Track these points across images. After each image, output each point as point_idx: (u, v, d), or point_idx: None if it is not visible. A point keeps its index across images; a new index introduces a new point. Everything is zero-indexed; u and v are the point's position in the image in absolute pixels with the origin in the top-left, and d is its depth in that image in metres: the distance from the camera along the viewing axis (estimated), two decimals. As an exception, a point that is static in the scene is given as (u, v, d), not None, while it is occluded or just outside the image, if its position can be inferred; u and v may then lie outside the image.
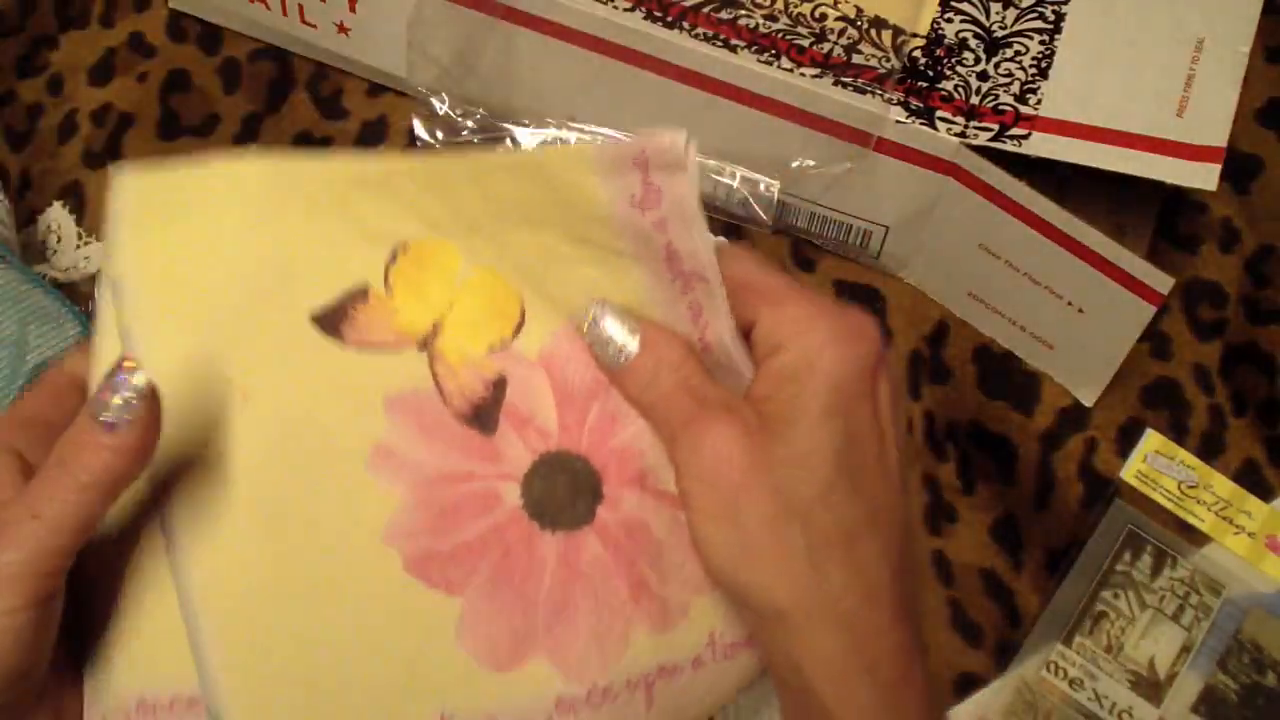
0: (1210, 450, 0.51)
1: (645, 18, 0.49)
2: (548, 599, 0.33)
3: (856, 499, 0.31)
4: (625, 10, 0.49)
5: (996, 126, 0.47)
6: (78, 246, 0.55)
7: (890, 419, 0.32)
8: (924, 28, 0.49)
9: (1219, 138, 0.45)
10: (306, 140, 0.57)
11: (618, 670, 0.33)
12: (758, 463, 0.30)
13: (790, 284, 0.33)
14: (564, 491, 0.33)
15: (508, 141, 0.54)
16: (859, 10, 0.49)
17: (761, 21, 0.49)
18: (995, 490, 0.50)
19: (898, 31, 0.49)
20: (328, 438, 0.32)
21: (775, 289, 0.33)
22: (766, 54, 0.48)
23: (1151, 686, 0.46)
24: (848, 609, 0.30)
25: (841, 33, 0.49)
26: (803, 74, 0.48)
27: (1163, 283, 0.45)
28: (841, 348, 0.31)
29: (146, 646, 0.32)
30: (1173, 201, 0.54)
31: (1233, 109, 0.45)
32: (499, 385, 0.33)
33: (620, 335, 0.33)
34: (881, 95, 0.47)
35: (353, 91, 0.58)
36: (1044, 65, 0.48)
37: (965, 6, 0.50)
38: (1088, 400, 0.52)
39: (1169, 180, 0.45)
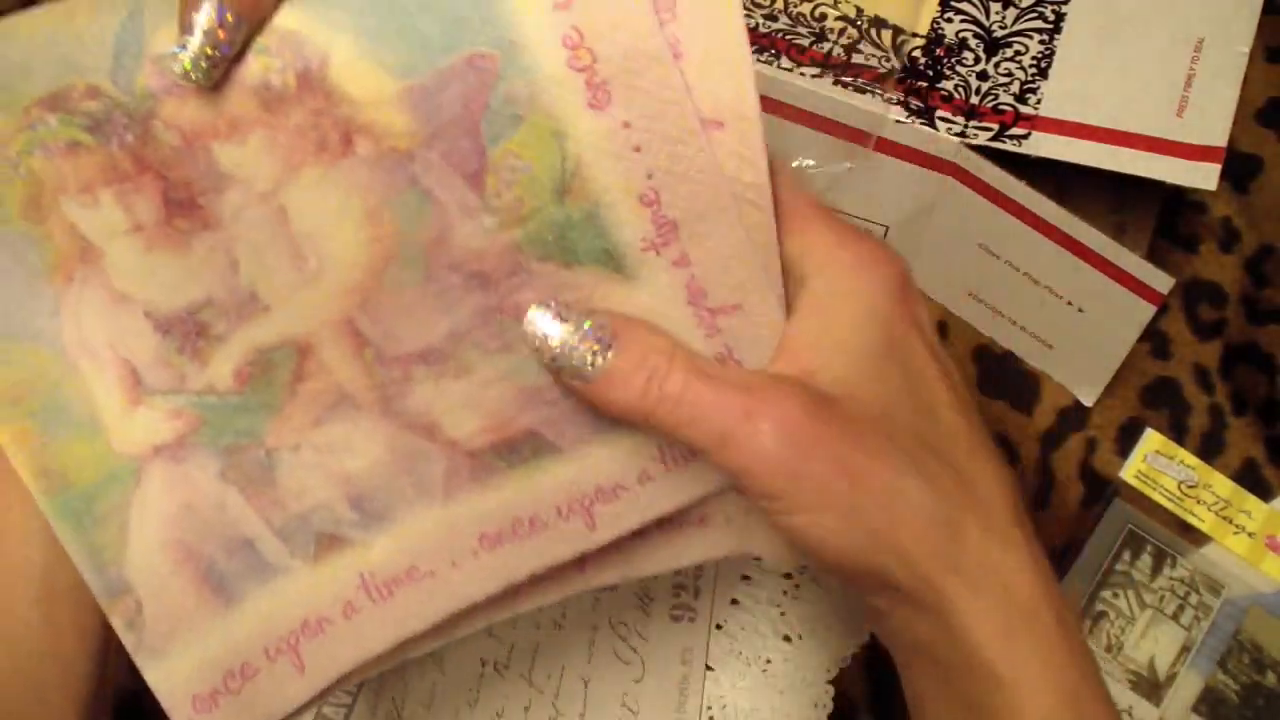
0: (1210, 450, 0.51)
1: (645, 18, 0.49)
2: None
3: (951, 441, 0.28)
4: (625, 10, 0.49)
5: (996, 126, 0.47)
6: (78, 246, 0.55)
7: (938, 343, 0.29)
8: (924, 27, 0.49)
9: (1219, 138, 0.45)
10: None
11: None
12: (847, 434, 0.27)
13: (812, 203, 0.29)
14: None
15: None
16: (859, 10, 0.49)
17: (761, 21, 0.49)
18: (995, 490, 0.50)
19: (898, 31, 0.49)
20: None
21: (797, 210, 0.28)
22: (766, 54, 0.48)
23: (1151, 686, 0.46)
24: (994, 562, 0.27)
25: (841, 32, 0.49)
26: (803, 74, 0.48)
27: (1163, 283, 0.45)
28: (876, 275, 0.28)
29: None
30: (1173, 201, 0.54)
31: (1233, 109, 0.45)
32: None
33: (581, 339, 0.27)
34: (881, 95, 0.47)
35: (353, 91, 0.58)
36: (1044, 65, 0.48)
37: (965, 6, 0.50)
38: (1088, 400, 0.52)
39: (1169, 180, 0.45)
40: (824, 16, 0.49)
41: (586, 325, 0.27)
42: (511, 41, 0.27)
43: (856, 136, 0.48)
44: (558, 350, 0.27)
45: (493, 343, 0.30)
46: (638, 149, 0.28)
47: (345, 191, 0.29)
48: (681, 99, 0.28)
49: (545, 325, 0.27)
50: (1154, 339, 0.53)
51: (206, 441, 0.31)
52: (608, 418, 0.29)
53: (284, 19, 0.28)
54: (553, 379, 0.29)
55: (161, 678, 0.31)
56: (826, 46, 0.49)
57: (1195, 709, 0.46)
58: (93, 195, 0.29)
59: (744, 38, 0.28)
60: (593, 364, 0.27)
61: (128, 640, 0.31)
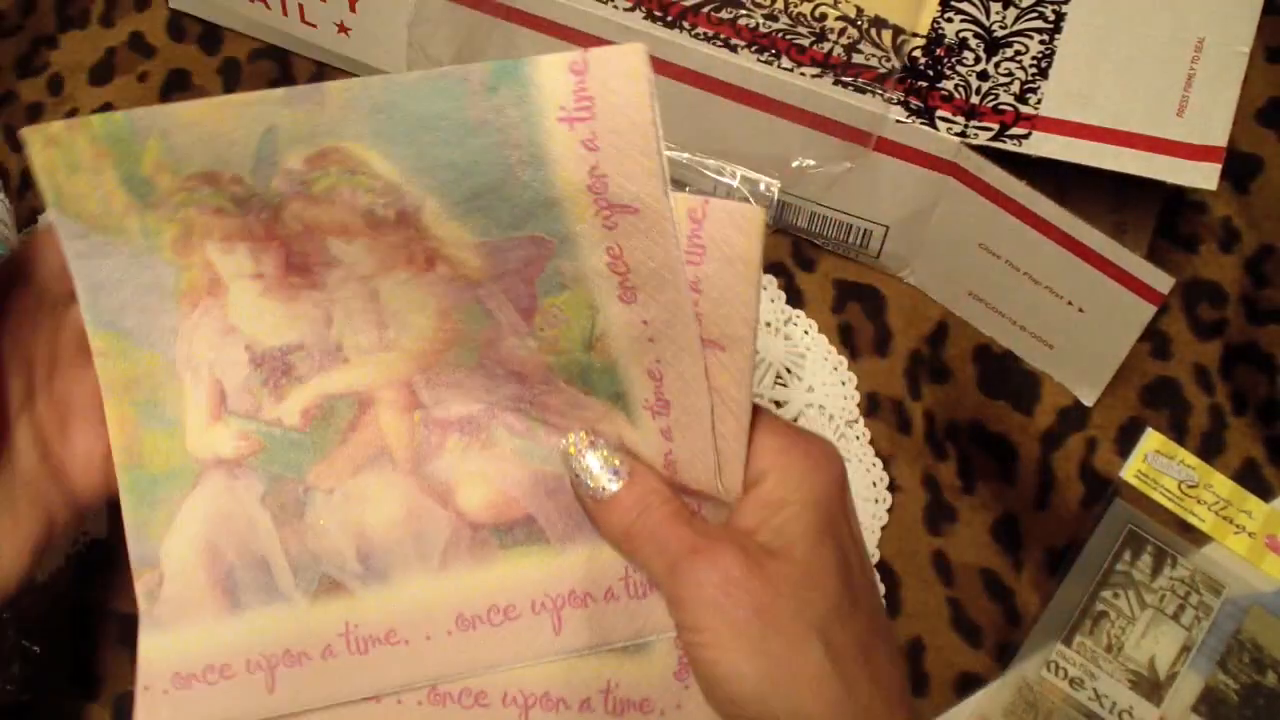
0: (1210, 450, 0.51)
1: (645, 18, 0.49)
2: None
3: (859, 610, 0.32)
4: (625, 10, 0.49)
5: (996, 126, 0.47)
6: (78, 246, 0.55)
7: (859, 530, 0.34)
8: (924, 27, 0.49)
9: (1219, 138, 0.45)
10: (306, 140, 0.57)
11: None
12: (771, 587, 0.31)
13: (762, 412, 0.33)
14: None
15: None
16: (859, 10, 0.50)
17: (761, 21, 0.49)
18: (995, 490, 0.50)
19: (898, 31, 0.49)
20: None
21: (758, 418, 0.33)
22: (766, 54, 0.48)
23: (1152, 686, 0.46)
24: (877, 718, 0.31)
25: (841, 32, 0.49)
26: (803, 74, 0.48)
27: (1163, 282, 0.45)
28: (821, 474, 0.33)
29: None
30: (1173, 201, 0.54)
31: (1233, 109, 0.45)
32: None
33: (605, 469, 0.34)
34: (881, 95, 0.47)
35: (353, 91, 0.58)
36: (1044, 65, 0.48)
37: (965, 6, 0.50)
38: (1088, 400, 0.52)
39: (1169, 180, 0.45)
40: (824, 16, 0.49)
41: (615, 462, 0.34)
42: (567, 236, 0.33)
43: (856, 136, 0.48)
44: (585, 471, 0.34)
45: (519, 426, 0.36)
46: (651, 340, 0.33)
47: (425, 292, 0.35)
48: (690, 323, 0.33)
49: (582, 450, 0.34)
50: (1154, 339, 0.53)
51: (260, 466, 0.37)
52: (597, 530, 0.34)
53: (386, 169, 0.33)
54: (571, 485, 0.35)
55: (154, 647, 0.36)
56: (826, 46, 0.49)
57: (1195, 709, 0.46)
58: (231, 244, 0.36)
59: (756, 296, 0.33)
60: (605, 488, 0.33)
61: (142, 606, 0.36)
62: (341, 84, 0.32)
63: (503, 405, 0.36)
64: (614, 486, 0.33)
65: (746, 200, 0.52)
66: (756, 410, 0.33)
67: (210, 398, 0.37)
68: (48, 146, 0.34)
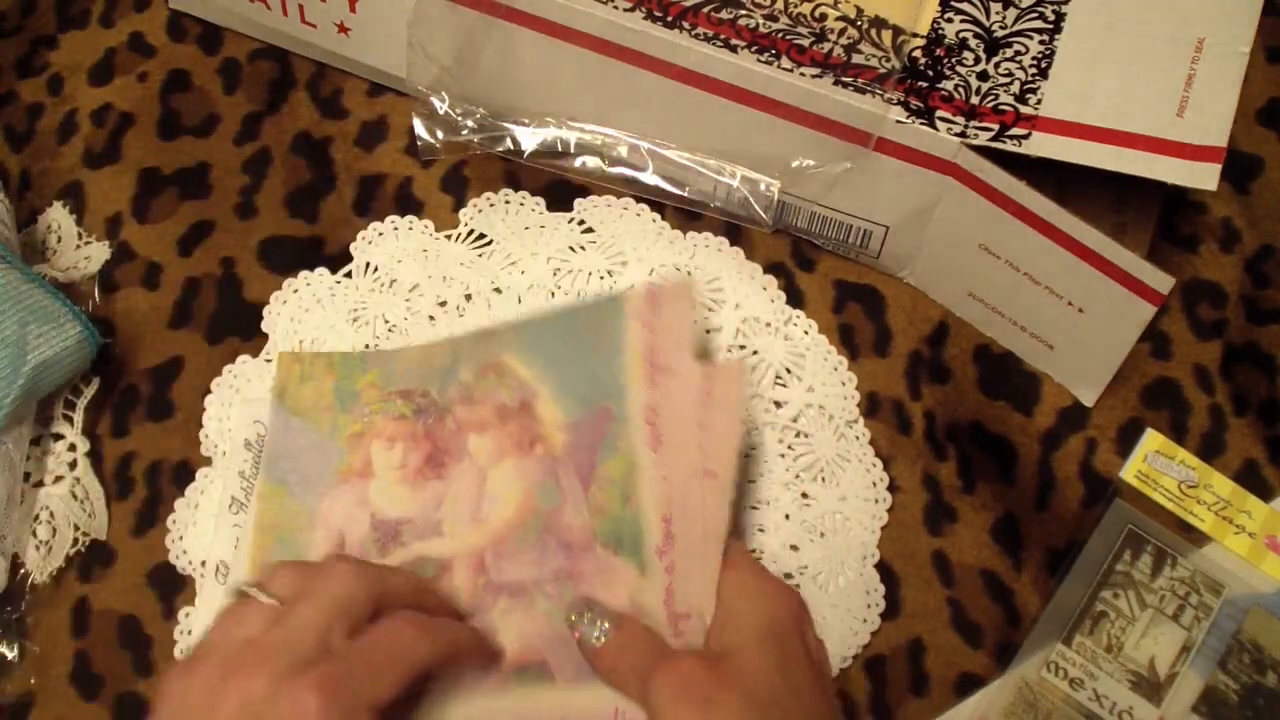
0: (1210, 450, 0.51)
1: (645, 18, 0.49)
2: None
3: (799, 708, 0.37)
4: (625, 10, 0.49)
5: (996, 126, 0.47)
6: (77, 246, 0.55)
7: (822, 660, 0.40)
8: (924, 28, 0.49)
9: (1219, 138, 0.45)
10: (306, 140, 0.57)
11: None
12: (721, 680, 0.37)
13: (735, 552, 0.42)
14: None
15: (508, 141, 0.54)
16: (859, 10, 0.49)
17: (761, 21, 0.49)
18: (995, 490, 0.50)
19: (898, 31, 0.49)
20: None
21: (729, 554, 0.42)
22: (766, 54, 0.48)
23: (1151, 686, 0.46)
24: None
25: (841, 33, 0.49)
26: (803, 74, 0.48)
27: (1163, 283, 0.45)
28: (775, 602, 0.40)
29: None
30: (1173, 201, 0.54)
31: (1233, 109, 0.45)
32: None
33: (596, 630, 0.41)
34: (881, 95, 0.47)
35: (353, 91, 0.58)
36: (1044, 65, 0.48)
37: (965, 6, 0.50)
38: (1088, 400, 0.52)
39: (1169, 180, 0.45)
40: (824, 16, 0.49)
41: (603, 624, 0.41)
42: (623, 398, 0.45)
43: (856, 137, 0.48)
44: (581, 626, 0.42)
45: (553, 593, 0.44)
46: (665, 478, 0.44)
47: (521, 475, 0.46)
48: (696, 460, 0.44)
49: (580, 618, 0.42)
50: (1154, 339, 0.53)
51: None
52: (592, 670, 0.42)
53: (519, 367, 0.47)
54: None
55: None
56: (826, 46, 0.49)
57: (1195, 709, 0.46)
58: (392, 444, 0.48)
59: (742, 433, 0.45)
60: (597, 638, 0.41)
61: None
62: (505, 323, 0.49)
63: (547, 577, 0.44)
64: (603, 637, 0.41)
65: (746, 200, 0.52)
66: (735, 551, 0.42)
67: (332, 545, 0.46)
68: (294, 363, 0.50)
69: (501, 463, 0.46)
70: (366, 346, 0.52)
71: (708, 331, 0.52)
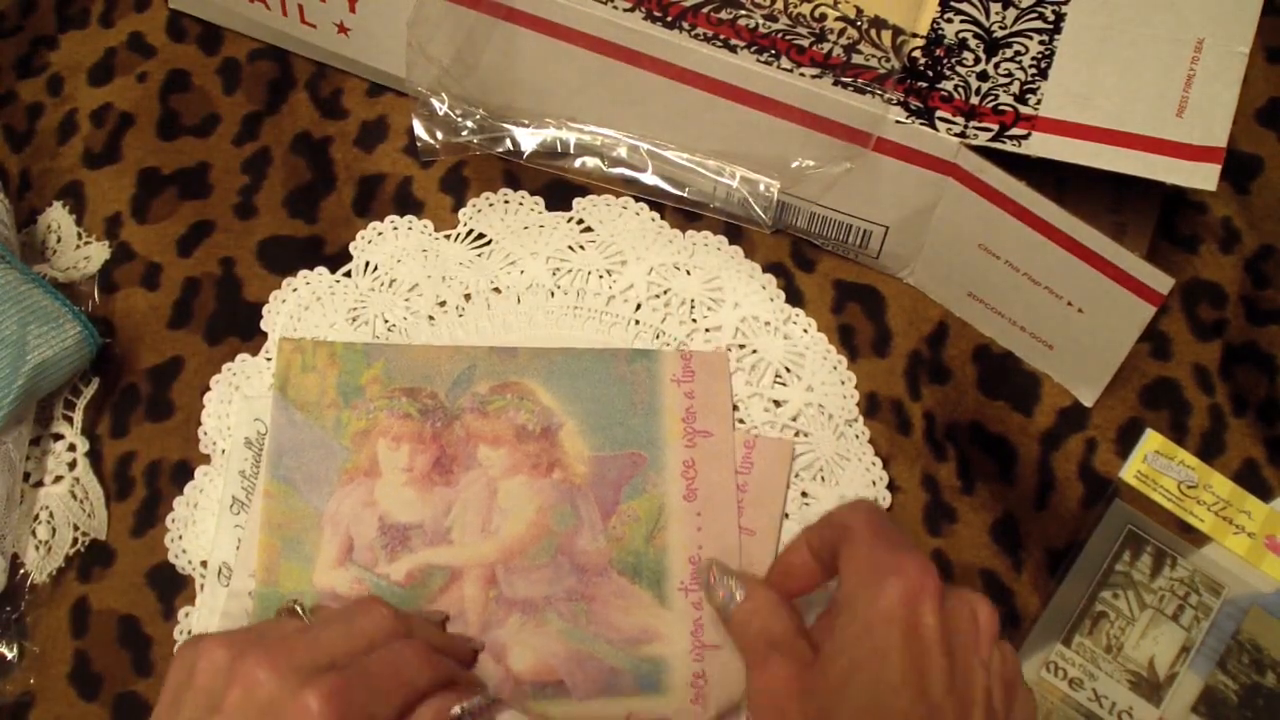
0: (1210, 450, 0.51)
1: (645, 18, 0.49)
2: None
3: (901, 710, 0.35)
4: (625, 10, 0.49)
5: (996, 126, 0.47)
6: (77, 246, 0.55)
7: (941, 644, 0.36)
8: (924, 28, 0.49)
9: (1219, 138, 0.45)
10: (306, 140, 0.57)
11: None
12: (802, 691, 0.37)
13: (869, 524, 0.38)
14: None
15: (508, 142, 0.54)
16: (859, 10, 0.49)
17: (761, 21, 0.49)
18: (995, 490, 0.50)
19: (898, 31, 0.49)
20: None
21: (855, 529, 0.39)
22: (766, 54, 0.48)
23: (1151, 686, 0.46)
24: None
25: (841, 33, 0.49)
26: (803, 74, 0.48)
27: (1163, 283, 0.45)
28: (875, 586, 0.36)
29: None
30: (1173, 201, 0.54)
31: (1233, 109, 0.45)
32: None
33: (730, 589, 0.42)
34: (881, 95, 0.47)
35: (352, 91, 0.58)
36: (1044, 65, 0.48)
37: (965, 6, 0.50)
38: (1088, 400, 0.52)
39: (1169, 180, 0.45)
40: (824, 17, 0.49)
41: (733, 587, 0.42)
42: (659, 453, 0.49)
43: (856, 137, 0.48)
44: (720, 598, 0.42)
45: (566, 612, 0.46)
46: (699, 529, 0.47)
47: (535, 494, 0.48)
48: (733, 515, 0.48)
49: (716, 579, 0.42)
50: (1154, 339, 0.53)
51: None
52: (607, 686, 0.45)
53: (548, 399, 0.49)
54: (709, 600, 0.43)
55: None
56: (826, 47, 0.49)
57: (1195, 709, 0.46)
58: (398, 443, 0.49)
59: (784, 498, 0.49)
60: (730, 604, 0.42)
61: None
62: (529, 349, 0.50)
63: (559, 596, 0.46)
64: (734, 603, 0.41)
65: (746, 200, 0.52)
66: (866, 523, 0.39)
67: (340, 548, 0.47)
68: (295, 351, 0.50)
69: (514, 478, 0.48)
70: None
71: (707, 330, 0.52)
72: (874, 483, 0.50)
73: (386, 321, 0.53)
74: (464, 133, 0.54)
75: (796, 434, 0.51)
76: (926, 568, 0.36)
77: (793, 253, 0.54)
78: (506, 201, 0.55)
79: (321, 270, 0.54)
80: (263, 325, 0.53)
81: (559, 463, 0.48)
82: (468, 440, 0.49)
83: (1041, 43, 0.48)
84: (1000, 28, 0.49)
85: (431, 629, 0.44)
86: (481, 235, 0.55)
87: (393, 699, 0.39)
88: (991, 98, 0.47)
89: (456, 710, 0.41)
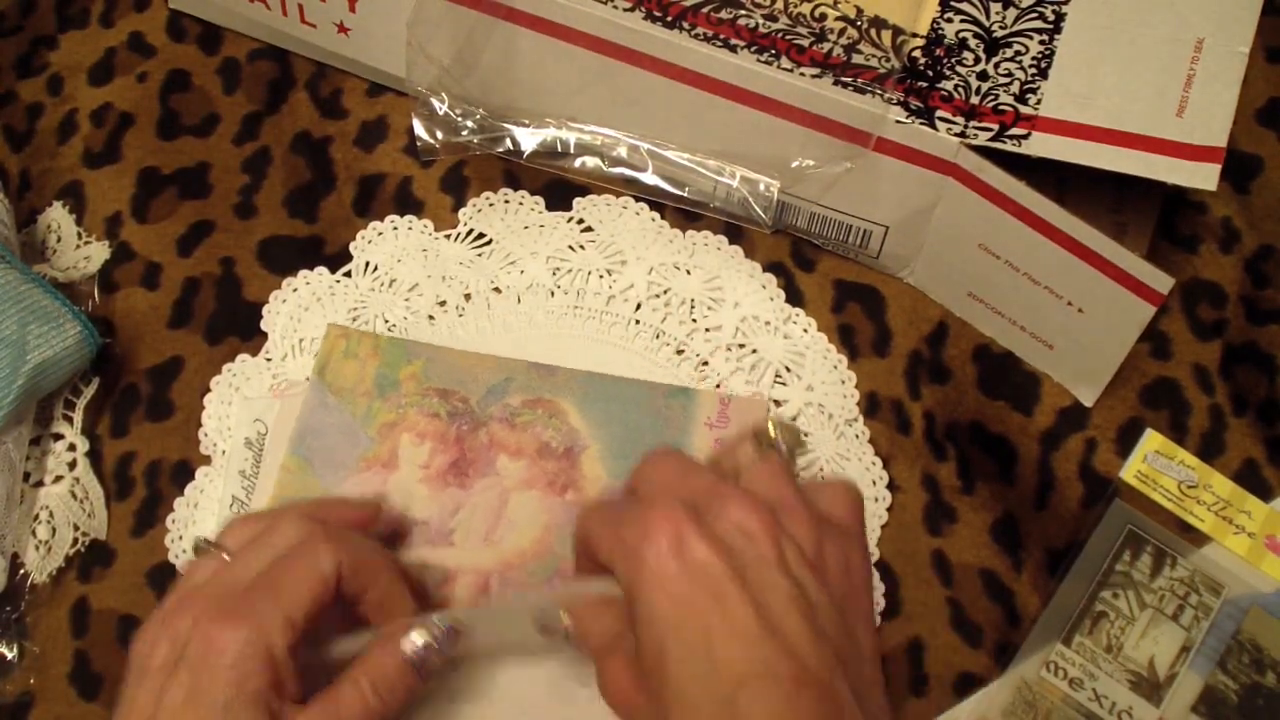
0: (1210, 450, 0.51)
1: (645, 18, 0.49)
2: None
3: (709, 681, 0.33)
4: (625, 10, 0.49)
5: (996, 126, 0.47)
6: (77, 246, 0.55)
7: (724, 575, 0.34)
8: (924, 28, 0.49)
9: (1219, 138, 0.45)
10: (306, 140, 0.57)
11: None
12: (635, 683, 0.36)
13: (587, 524, 0.39)
14: None
15: (508, 142, 0.54)
16: (859, 10, 0.49)
17: (761, 21, 0.49)
18: (995, 490, 0.50)
19: (898, 31, 0.49)
20: None
21: (582, 535, 0.39)
22: (766, 54, 0.48)
23: (1151, 686, 0.46)
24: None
25: (841, 33, 0.49)
26: (803, 74, 0.48)
27: (1163, 283, 0.45)
28: (632, 559, 0.35)
29: None
30: (1173, 201, 0.54)
31: (1233, 109, 0.45)
32: None
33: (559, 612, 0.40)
34: (881, 95, 0.47)
35: (352, 91, 0.58)
36: (1044, 65, 0.48)
37: (965, 6, 0.50)
38: (1088, 400, 0.52)
39: (1169, 180, 0.45)
40: (824, 16, 0.49)
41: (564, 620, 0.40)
42: None
43: (856, 137, 0.48)
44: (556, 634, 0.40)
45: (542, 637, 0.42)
46: None
47: (544, 511, 0.47)
48: None
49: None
50: (1154, 339, 0.53)
51: None
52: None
53: (578, 420, 0.49)
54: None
55: None
56: (826, 46, 0.49)
57: (1195, 709, 0.46)
58: (421, 440, 0.49)
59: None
60: (566, 636, 0.40)
61: None
62: (569, 369, 0.50)
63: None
64: (568, 624, 0.40)
65: (746, 200, 0.52)
66: (582, 536, 0.39)
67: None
68: (340, 337, 0.51)
69: (527, 491, 0.48)
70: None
71: (707, 330, 0.52)
72: (874, 482, 0.50)
73: (386, 321, 0.53)
74: (464, 133, 0.54)
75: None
76: (667, 512, 0.35)
77: (793, 252, 0.54)
78: (506, 201, 0.55)
79: (321, 270, 0.54)
80: (263, 325, 0.53)
81: (575, 484, 0.48)
82: (489, 448, 0.48)
83: (1041, 43, 0.48)
84: (1000, 27, 0.49)
85: (357, 537, 0.41)
86: (482, 235, 0.55)
87: (303, 589, 0.37)
88: (991, 97, 0.47)
89: (417, 641, 0.38)
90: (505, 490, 0.48)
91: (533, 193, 0.55)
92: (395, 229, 0.55)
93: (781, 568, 0.34)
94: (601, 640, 0.39)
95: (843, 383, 0.52)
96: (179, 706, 0.35)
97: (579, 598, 0.40)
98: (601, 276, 0.54)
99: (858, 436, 0.51)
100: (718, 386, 0.51)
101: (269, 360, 0.52)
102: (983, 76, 0.48)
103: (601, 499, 0.45)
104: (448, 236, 0.55)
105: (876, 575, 0.49)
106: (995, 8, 0.49)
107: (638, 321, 0.53)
